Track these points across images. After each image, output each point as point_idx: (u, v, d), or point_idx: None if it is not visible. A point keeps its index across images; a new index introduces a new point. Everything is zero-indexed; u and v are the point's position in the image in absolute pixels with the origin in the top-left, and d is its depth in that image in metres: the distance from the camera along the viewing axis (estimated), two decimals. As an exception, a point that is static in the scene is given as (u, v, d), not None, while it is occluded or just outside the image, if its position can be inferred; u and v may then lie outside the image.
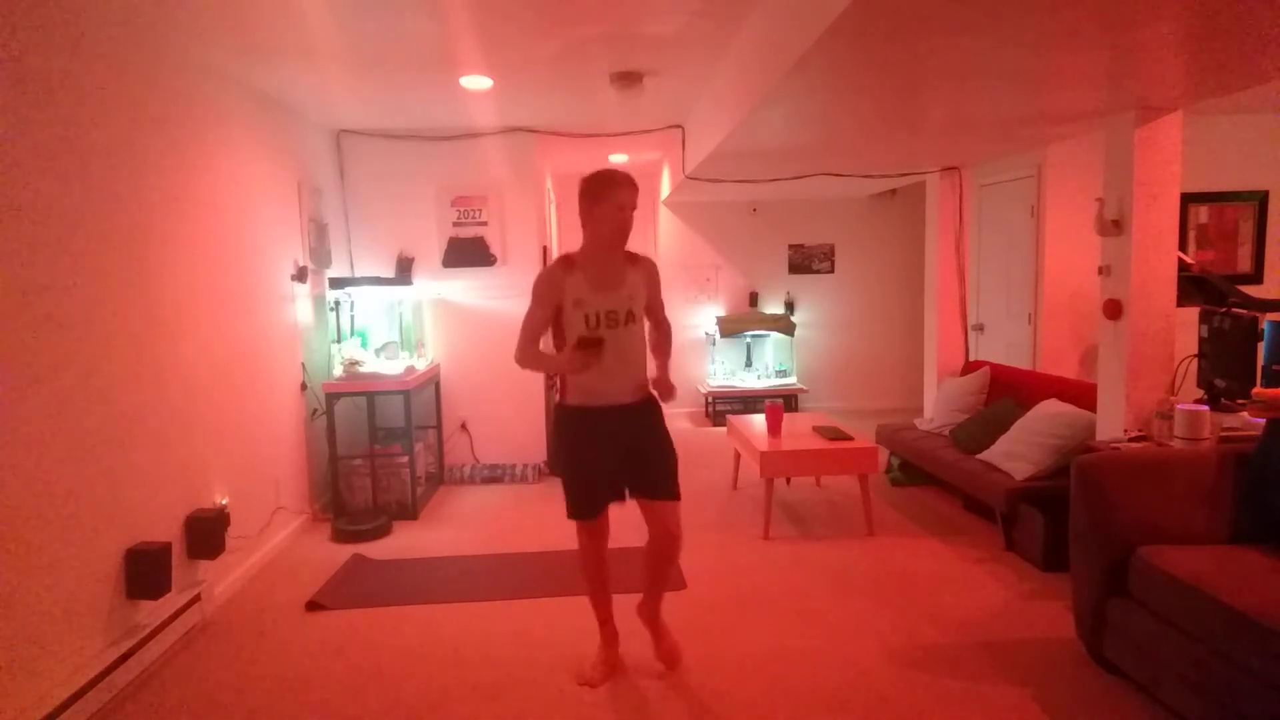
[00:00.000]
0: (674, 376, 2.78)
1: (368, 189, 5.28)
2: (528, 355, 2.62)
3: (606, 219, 2.52)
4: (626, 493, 2.68)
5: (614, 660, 2.79)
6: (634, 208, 2.55)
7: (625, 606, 2.86)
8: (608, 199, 2.51)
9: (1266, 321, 3.50)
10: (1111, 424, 3.60)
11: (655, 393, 2.67)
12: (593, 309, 2.52)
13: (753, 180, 5.91)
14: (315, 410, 4.58)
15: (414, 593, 3.51)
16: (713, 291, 7.57)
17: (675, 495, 2.65)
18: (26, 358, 2.40)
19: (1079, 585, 2.73)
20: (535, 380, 5.48)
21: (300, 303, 4.44)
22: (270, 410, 4.06)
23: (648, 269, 2.67)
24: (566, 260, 2.59)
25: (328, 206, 4.96)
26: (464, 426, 5.50)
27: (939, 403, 5.06)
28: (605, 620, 2.82)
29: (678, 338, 6.60)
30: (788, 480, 4.98)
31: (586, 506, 2.67)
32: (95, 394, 2.70)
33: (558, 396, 2.77)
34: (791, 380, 7.26)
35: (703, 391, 7.33)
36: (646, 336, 2.73)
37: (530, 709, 2.55)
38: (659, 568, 2.72)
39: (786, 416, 4.80)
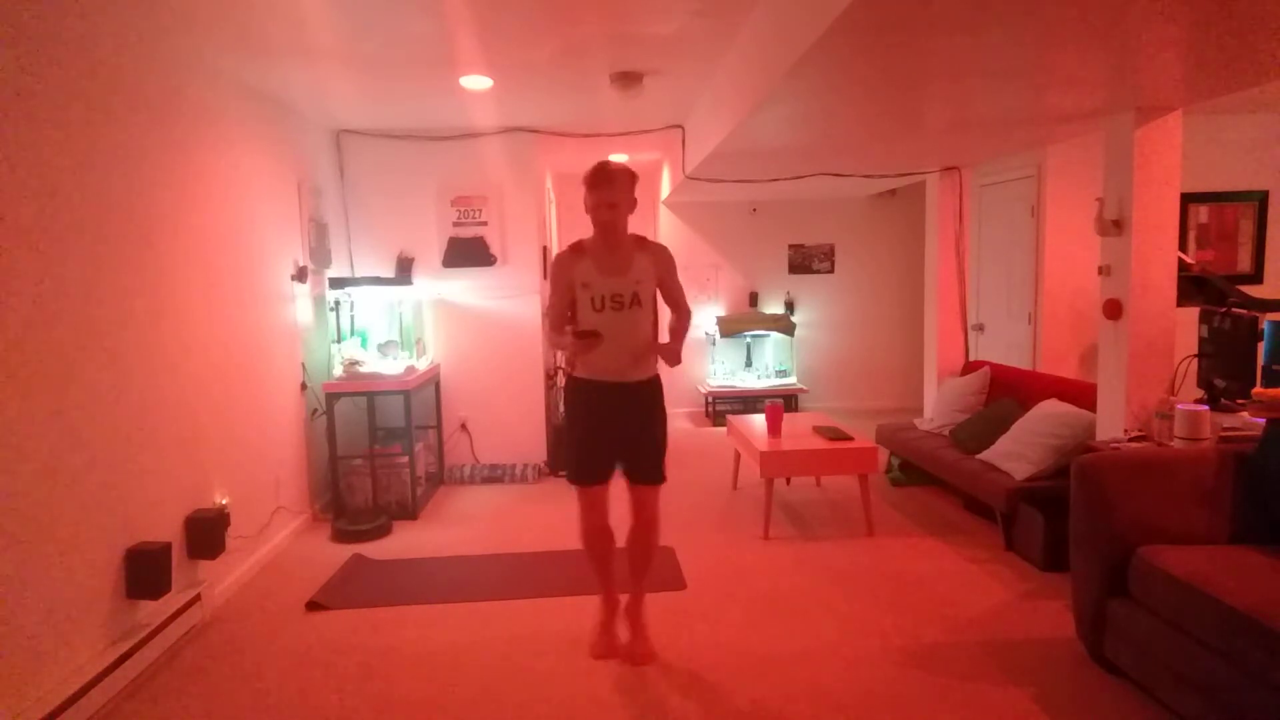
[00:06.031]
0: (676, 375, 2.82)
1: (368, 189, 5.28)
2: (549, 334, 2.90)
3: (590, 214, 2.72)
4: (618, 470, 2.84)
5: (614, 628, 2.94)
6: (611, 204, 2.67)
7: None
8: (587, 197, 2.70)
9: (1266, 321, 3.50)
10: (1111, 424, 3.60)
11: (661, 356, 2.76)
12: (598, 292, 2.70)
13: (753, 180, 5.90)
14: (315, 410, 4.58)
15: (414, 593, 3.51)
16: (713, 291, 7.57)
17: (659, 480, 2.85)
18: (26, 358, 2.40)
19: (1079, 585, 2.73)
20: (536, 380, 5.48)
21: (300, 303, 4.44)
22: (270, 410, 4.06)
23: (658, 254, 2.81)
24: (577, 246, 2.79)
25: (328, 206, 4.96)
26: (464, 426, 5.50)
27: (939, 403, 5.06)
28: (605, 589, 2.96)
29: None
30: (788, 480, 4.98)
31: (584, 471, 2.82)
32: (95, 394, 2.70)
33: (567, 370, 3.00)
34: (791, 380, 7.26)
35: (703, 391, 7.30)
36: (667, 321, 2.89)
37: (530, 709, 2.55)
38: (640, 553, 2.90)
39: (786, 416, 4.80)
